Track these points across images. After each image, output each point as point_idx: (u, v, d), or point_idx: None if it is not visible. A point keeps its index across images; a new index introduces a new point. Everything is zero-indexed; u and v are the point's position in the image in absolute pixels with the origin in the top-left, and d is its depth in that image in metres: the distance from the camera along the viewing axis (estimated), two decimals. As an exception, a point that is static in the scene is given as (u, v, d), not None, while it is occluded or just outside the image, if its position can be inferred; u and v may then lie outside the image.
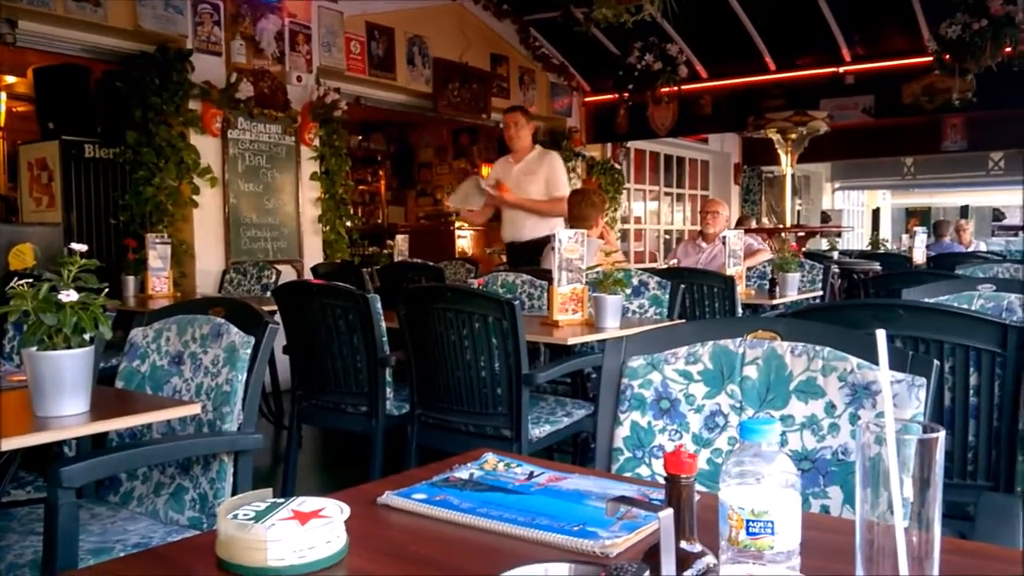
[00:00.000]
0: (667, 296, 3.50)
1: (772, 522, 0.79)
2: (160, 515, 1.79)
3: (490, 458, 1.18)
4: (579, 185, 8.95)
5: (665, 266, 5.68)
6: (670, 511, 0.73)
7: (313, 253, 6.31)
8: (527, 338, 2.64)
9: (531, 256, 4.90)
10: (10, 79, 7.82)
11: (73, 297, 1.44)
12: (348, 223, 6.66)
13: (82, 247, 1.52)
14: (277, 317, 3.18)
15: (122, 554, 1.56)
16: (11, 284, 1.49)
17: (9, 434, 1.41)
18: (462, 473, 1.12)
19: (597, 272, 3.17)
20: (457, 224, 9.33)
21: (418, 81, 7.25)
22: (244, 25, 5.74)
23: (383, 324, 3.01)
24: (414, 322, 2.86)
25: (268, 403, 4.56)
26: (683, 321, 2.78)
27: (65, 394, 1.46)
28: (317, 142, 6.29)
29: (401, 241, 6.17)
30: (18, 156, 6.47)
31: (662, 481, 0.79)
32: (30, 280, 1.50)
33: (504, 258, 7.43)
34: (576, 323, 3.09)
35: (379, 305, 3.02)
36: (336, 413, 3.24)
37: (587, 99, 9.23)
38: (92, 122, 6.16)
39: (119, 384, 1.95)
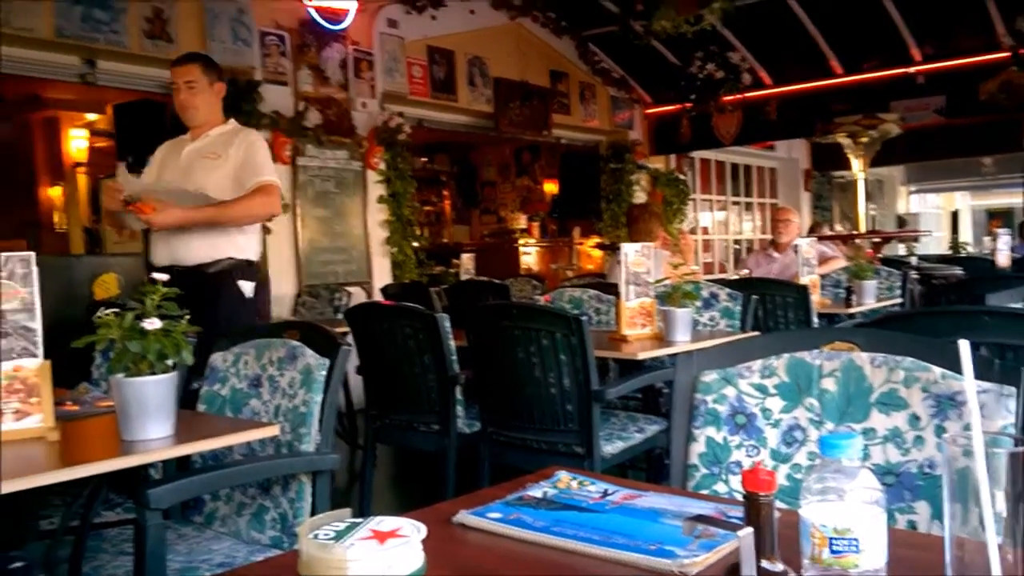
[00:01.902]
0: (739, 308, 3.44)
1: (857, 539, 0.77)
2: (242, 535, 1.83)
3: (563, 476, 1.18)
4: (644, 198, 8.90)
5: (736, 277, 5.59)
6: (750, 530, 0.71)
7: (382, 274, 6.42)
8: (595, 354, 2.63)
9: (202, 289, 2.84)
10: (91, 116, 8.20)
11: (156, 325, 1.50)
12: (415, 243, 6.75)
13: (164, 276, 1.58)
14: (350, 338, 3.24)
15: (207, 574, 1.61)
16: (97, 313, 1.55)
17: (98, 458, 1.47)
18: (535, 492, 1.12)
19: (666, 285, 3.14)
20: (521, 241, 9.36)
21: (479, 101, 7.33)
22: (310, 55, 5.90)
23: (452, 343, 3.03)
24: (482, 340, 2.87)
25: (343, 423, 4.64)
26: (756, 333, 2.73)
27: (150, 418, 1.51)
28: (383, 166, 6.40)
29: (467, 260, 6.24)
30: (100, 190, 6.76)
31: (740, 498, 0.78)
32: (115, 309, 1.56)
33: (569, 274, 7.37)
34: (645, 337, 3.06)
35: (447, 324, 3.04)
36: (409, 432, 3.27)
37: (648, 111, 9.19)
38: (169, 155, 6.39)
39: (201, 407, 2.01)
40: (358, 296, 5.77)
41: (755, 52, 7.88)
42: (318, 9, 5.87)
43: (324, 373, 1.81)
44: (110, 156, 7.49)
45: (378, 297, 5.95)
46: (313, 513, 1.73)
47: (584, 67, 8.43)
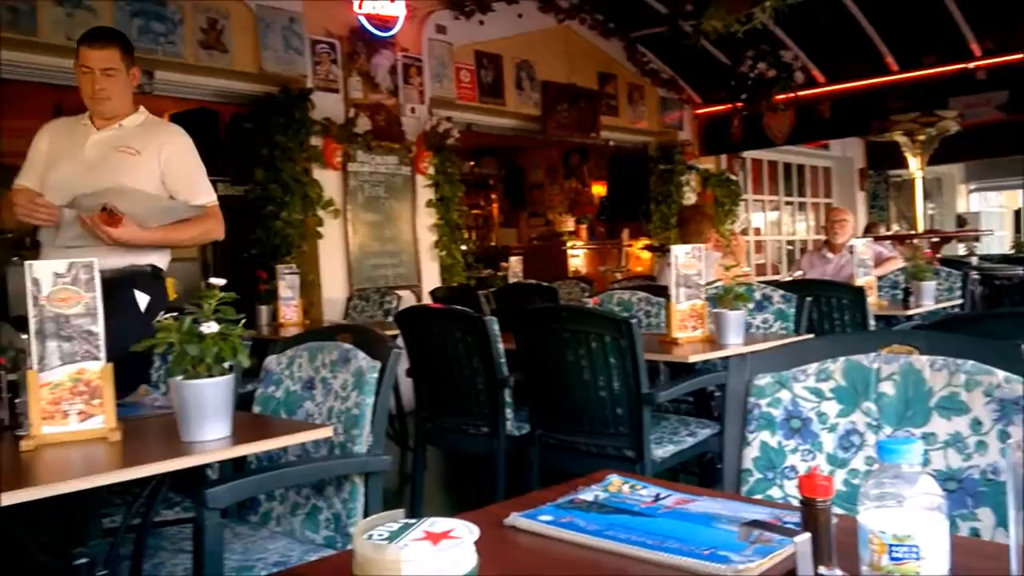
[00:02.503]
0: (793, 310, 3.38)
1: (917, 547, 0.75)
2: (297, 534, 1.86)
3: (615, 480, 1.17)
4: (694, 199, 8.81)
5: (789, 278, 5.50)
6: (807, 536, 0.70)
7: (431, 278, 6.47)
8: (645, 357, 2.61)
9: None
10: (150, 126, 8.42)
11: (214, 329, 1.53)
12: (463, 247, 6.79)
13: (221, 281, 1.61)
14: (400, 341, 3.27)
15: (263, 573, 1.64)
16: (158, 318, 1.59)
17: (158, 458, 1.51)
18: (587, 495, 1.12)
19: (717, 287, 3.11)
20: (569, 244, 9.34)
21: (527, 104, 7.34)
22: (359, 62, 5.98)
23: (501, 346, 3.04)
24: (531, 343, 2.87)
25: (394, 425, 4.68)
26: (811, 336, 2.68)
27: (208, 420, 1.55)
28: (431, 170, 6.45)
29: (515, 263, 6.24)
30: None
31: (796, 503, 0.76)
32: (175, 313, 1.60)
33: (619, 276, 7.33)
34: (697, 340, 3.03)
35: (496, 327, 3.05)
36: (458, 434, 3.29)
37: (698, 111, 9.10)
38: (223, 162, 6.55)
39: (256, 409, 2.05)
40: (408, 299, 5.82)
41: (808, 50, 7.74)
42: (368, 16, 5.95)
43: (376, 376, 1.84)
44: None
45: (427, 300, 6.00)
46: (366, 514, 1.75)
47: (632, 68, 8.38)
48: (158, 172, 2.67)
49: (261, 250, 5.66)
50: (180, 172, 2.72)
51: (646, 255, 9.09)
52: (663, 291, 3.42)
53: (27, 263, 1.60)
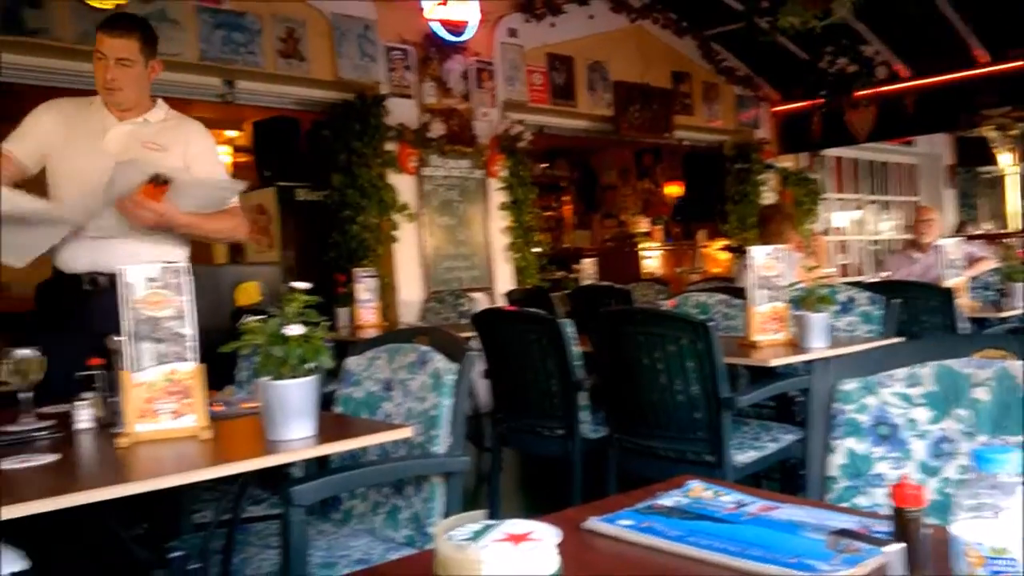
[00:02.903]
0: (879, 312, 3.27)
1: (1015, 560, 0.72)
2: (378, 533, 1.90)
3: (695, 486, 1.16)
4: (772, 199, 8.62)
5: (875, 279, 5.32)
6: (899, 546, 0.68)
7: (504, 280, 6.50)
8: (725, 360, 2.57)
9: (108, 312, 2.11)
10: (231, 133, 8.72)
11: (298, 331, 1.58)
12: (536, 249, 6.80)
13: (304, 285, 1.66)
14: (476, 343, 3.30)
15: (347, 570, 1.67)
16: (242, 320, 1.64)
17: (246, 456, 1.56)
18: (667, 500, 1.11)
19: (799, 289, 3.03)
20: (643, 245, 9.25)
21: (599, 105, 7.31)
22: (432, 67, 6.06)
23: (575, 348, 3.03)
24: (606, 346, 2.86)
25: (470, 426, 4.71)
26: (900, 339, 2.60)
27: (293, 419, 1.59)
28: (504, 173, 6.49)
29: (588, 264, 6.23)
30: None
31: (884, 512, 0.74)
32: (261, 316, 1.65)
33: (698, 279, 7.24)
34: (778, 343, 2.96)
35: (571, 329, 3.05)
36: (534, 436, 3.29)
37: (776, 109, 8.90)
38: (302, 168, 6.73)
39: (337, 409, 2.10)
40: (482, 301, 5.86)
41: (890, 44, 7.49)
42: (441, 22, 6.02)
43: (453, 377, 1.86)
44: (250, 170, 7.94)
45: (501, 302, 6.03)
46: (446, 514, 1.77)
47: (707, 66, 8.25)
48: (185, 168, 2.56)
49: (339, 254, 5.79)
50: (207, 171, 2.63)
51: (723, 256, 8.93)
52: (742, 293, 3.35)
53: (120, 268, 1.68)
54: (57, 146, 2.48)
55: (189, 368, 1.71)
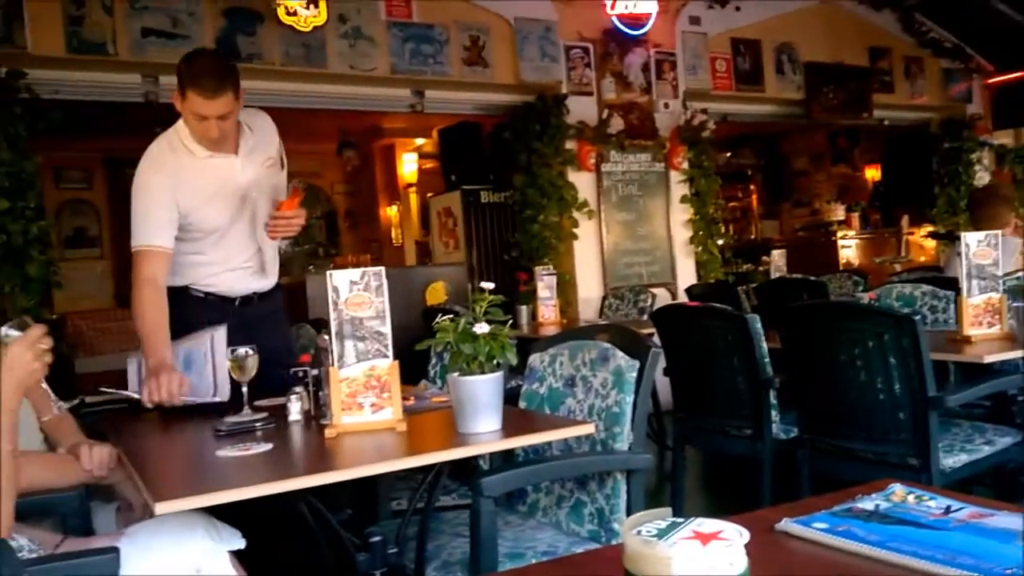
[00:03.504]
0: (1117, 303, 2.90)
1: None
2: (562, 526, 1.93)
3: (898, 490, 1.09)
4: (988, 179, 7.87)
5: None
6: None
7: (686, 275, 6.37)
8: (931, 357, 2.38)
9: (278, 310, 2.72)
10: (419, 141, 9.16)
11: (485, 329, 1.64)
12: (719, 242, 6.62)
13: (490, 285, 1.73)
14: (656, 339, 3.27)
15: (533, 560, 1.72)
16: (436, 320, 1.73)
17: (438, 448, 1.64)
18: (866, 504, 1.05)
19: (1019, 278, 2.76)
20: (839, 234, 8.73)
21: (788, 89, 6.99)
22: (612, 63, 6.04)
23: (764, 345, 2.93)
24: (798, 342, 2.74)
25: (651, 424, 4.68)
26: None
27: (481, 413, 1.66)
28: (686, 165, 6.37)
29: (777, 256, 5.95)
30: (429, 207, 7.53)
31: None
32: (450, 315, 1.74)
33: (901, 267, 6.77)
34: (993, 338, 2.71)
35: (759, 325, 2.94)
36: (719, 435, 3.21)
37: (990, 80, 8.09)
38: (485, 171, 6.95)
39: (521, 404, 2.15)
40: (662, 297, 5.78)
41: None
42: (620, 17, 5.99)
43: (634, 374, 1.85)
44: (436, 175, 8.31)
45: (682, 298, 5.92)
46: (629, 511, 1.77)
47: (909, 40, 7.66)
48: (280, 163, 2.61)
49: (520, 253, 5.92)
50: (281, 152, 2.63)
51: (930, 243, 8.26)
52: (952, 283, 3.09)
53: (328, 272, 1.81)
54: (186, 207, 2.42)
55: (387, 364, 1.82)
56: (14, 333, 1.54)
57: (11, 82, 4.11)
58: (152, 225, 2.39)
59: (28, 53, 4.21)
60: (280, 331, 2.69)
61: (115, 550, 1.34)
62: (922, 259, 8.29)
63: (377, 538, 1.73)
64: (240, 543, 1.67)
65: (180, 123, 2.44)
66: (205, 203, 2.44)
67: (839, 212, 9.67)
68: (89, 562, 1.33)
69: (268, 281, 2.63)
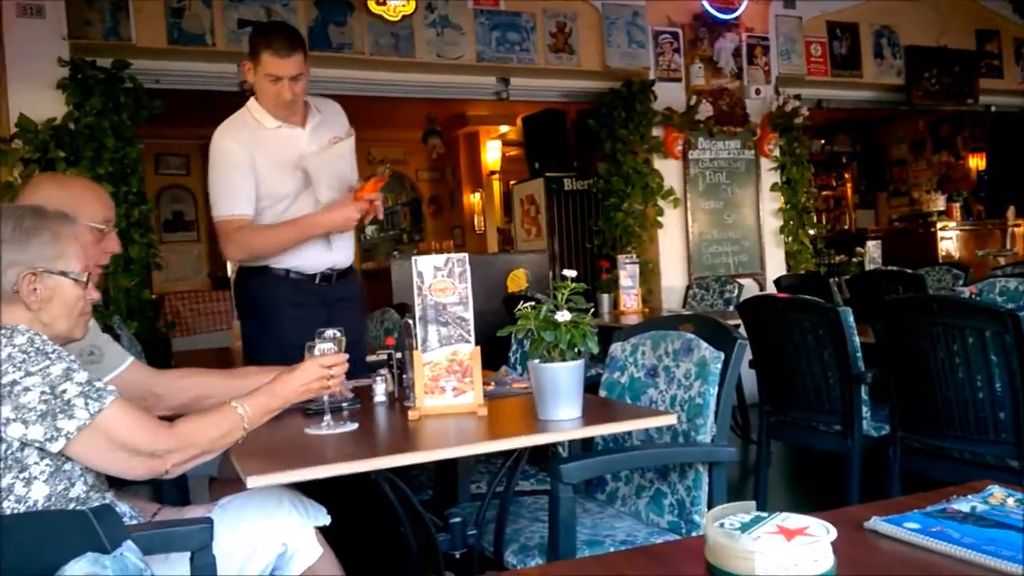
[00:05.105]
0: None
1: None
2: (642, 516, 1.92)
3: (996, 492, 1.04)
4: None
5: None
6: None
7: (775, 265, 6.21)
8: (1037, 355, 2.26)
9: (355, 287, 2.75)
10: (503, 128, 9.18)
11: (566, 317, 1.64)
12: (811, 232, 6.42)
13: (572, 273, 1.72)
14: (742, 331, 3.19)
15: (611, 548, 1.71)
16: (518, 307, 1.74)
17: (518, 433, 1.65)
18: (962, 505, 1.01)
19: None
20: (939, 225, 8.35)
21: (887, 74, 6.72)
22: (702, 48, 5.91)
23: (856, 339, 2.83)
24: (894, 337, 2.64)
25: (736, 416, 4.59)
26: None
27: (562, 400, 1.66)
28: (777, 152, 6.19)
29: (872, 247, 5.73)
30: (512, 195, 7.56)
31: None
32: (532, 302, 1.74)
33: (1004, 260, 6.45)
34: (1106, 337, 2.54)
35: (851, 319, 2.85)
36: (806, 430, 3.13)
37: (1108, 64, 7.58)
38: (569, 158, 6.92)
39: (602, 393, 2.15)
40: (749, 288, 5.65)
41: None
42: (712, 1, 5.86)
43: (719, 366, 1.82)
44: (519, 163, 8.32)
45: (771, 289, 5.77)
46: (710, 503, 1.75)
47: (1020, 21, 7.24)
48: (351, 147, 2.66)
49: (603, 240, 5.88)
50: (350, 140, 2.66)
51: (1038, 236, 7.82)
52: (1060, 279, 2.92)
53: (413, 258, 1.84)
54: (258, 175, 2.51)
55: (468, 349, 1.84)
56: (326, 347, 1.65)
57: (117, 72, 4.32)
58: (233, 193, 2.50)
59: (132, 45, 4.41)
60: (355, 316, 2.72)
61: (209, 520, 1.40)
62: (1030, 252, 7.86)
63: (457, 519, 1.76)
64: (325, 519, 1.73)
65: (250, 101, 2.59)
66: (273, 170, 2.53)
67: (939, 202, 9.24)
68: (185, 531, 1.39)
69: (342, 256, 2.65)
